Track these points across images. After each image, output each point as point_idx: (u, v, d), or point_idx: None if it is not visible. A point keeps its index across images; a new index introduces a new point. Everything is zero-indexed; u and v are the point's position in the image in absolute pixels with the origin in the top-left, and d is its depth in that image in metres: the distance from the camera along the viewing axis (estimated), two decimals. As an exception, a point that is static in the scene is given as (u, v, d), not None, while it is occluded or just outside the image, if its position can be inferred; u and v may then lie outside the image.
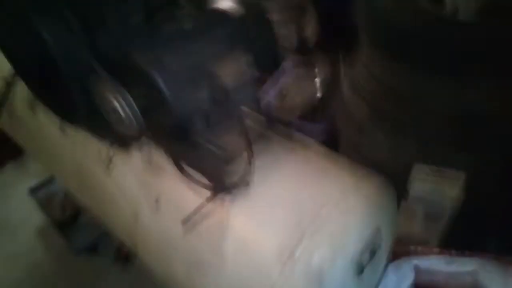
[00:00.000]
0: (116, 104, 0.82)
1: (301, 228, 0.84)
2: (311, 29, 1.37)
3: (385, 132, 1.42)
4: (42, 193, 1.79)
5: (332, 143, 1.64)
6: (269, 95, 1.93)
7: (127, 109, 0.83)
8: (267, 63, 1.02)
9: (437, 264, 1.13)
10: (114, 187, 1.07)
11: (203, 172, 0.92)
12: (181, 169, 0.95)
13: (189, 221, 0.86)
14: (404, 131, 1.37)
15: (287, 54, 2.19)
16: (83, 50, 0.85)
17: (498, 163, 1.26)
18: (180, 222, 0.93)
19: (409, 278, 1.11)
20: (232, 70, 0.88)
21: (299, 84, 1.97)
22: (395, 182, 1.35)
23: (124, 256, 1.64)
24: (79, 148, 1.15)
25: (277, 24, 1.03)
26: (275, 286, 0.82)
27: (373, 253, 0.90)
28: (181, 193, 0.96)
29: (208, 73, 0.85)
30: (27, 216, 1.93)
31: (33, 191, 1.81)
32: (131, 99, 0.82)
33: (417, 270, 1.13)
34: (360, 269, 0.87)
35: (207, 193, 0.91)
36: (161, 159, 0.99)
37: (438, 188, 1.29)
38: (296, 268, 0.82)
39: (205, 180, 0.92)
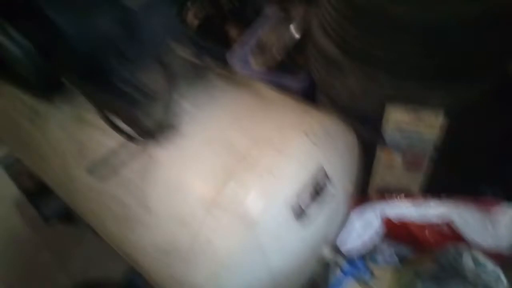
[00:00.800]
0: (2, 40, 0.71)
1: (228, 170, 0.74)
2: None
3: (356, 71, 1.28)
4: (10, 162, 1.72)
5: (311, 93, 1.52)
6: (248, 44, 1.80)
7: (16, 46, 0.72)
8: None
9: (406, 209, 1.01)
10: (43, 141, 0.98)
11: (121, 117, 0.81)
12: (103, 117, 0.85)
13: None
14: (376, 67, 1.23)
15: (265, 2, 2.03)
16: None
17: (478, 98, 1.11)
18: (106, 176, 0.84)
19: (374, 226, 1.00)
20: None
21: (277, 32, 1.83)
22: (370, 128, 1.22)
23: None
24: (10, 104, 1.06)
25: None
26: (199, 236, 0.72)
27: (315, 194, 0.79)
28: (105, 144, 0.86)
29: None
30: (5, 187, 1.88)
31: (2, 160, 1.75)
32: (17, 34, 0.71)
33: (384, 217, 1.02)
34: (299, 213, 0.76)
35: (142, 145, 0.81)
36: (88, 107, 0.89)
37: (416, 130, 1.17)
38: (222, 214, 0.72)
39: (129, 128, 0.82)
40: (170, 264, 0.77)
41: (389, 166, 1.26)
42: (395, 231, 1.02)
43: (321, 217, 0.83)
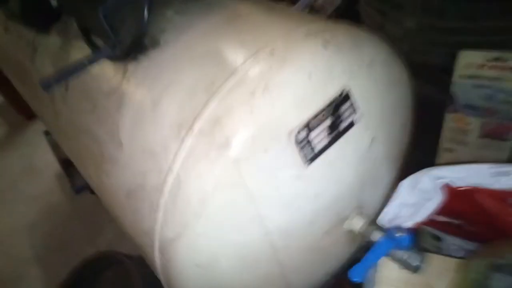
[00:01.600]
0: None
1: (212, 87, 0.54)
2: None
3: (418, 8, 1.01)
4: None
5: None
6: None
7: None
8: None
9: (480, 177, 0.72)
10: (37, 75, 0.87)
11: (101, 35, 0.66)
12: (88, 42, 0.71)
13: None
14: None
15: None
16: None
17: None
18: (86, 110, 0.70)
19: (432, 197, 0.73)
20: None
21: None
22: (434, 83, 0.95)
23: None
24: (15, 44, 0.97)
25: None
26: (169, 174, 0.54)
27: (334, 129, 0.56)
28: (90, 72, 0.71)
29: None
30: (51, 160, 1.88)
31: (47, 133, 1.75)
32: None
33: (447, 188, 0.74)
34: (306, 150, 0.54)
35: (119, 68, 0.66)
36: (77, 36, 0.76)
37: (498, 80, 0.87)
38: (198, 144, 0.52)
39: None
40: (137, 209, 0.59)
41: (461, 134, 0.97)
42: (462, 205, 0.73)
43: (346, 167, 0.59)
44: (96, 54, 0.64)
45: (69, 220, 1.72)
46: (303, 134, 0.53)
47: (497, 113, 0.90)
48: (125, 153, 0.62)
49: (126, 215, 0.65)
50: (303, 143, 0.54)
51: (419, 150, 0.84)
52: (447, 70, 0.92)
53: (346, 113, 0.57)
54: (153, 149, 0.57)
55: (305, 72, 0.54)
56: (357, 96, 0.57)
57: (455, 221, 0.80)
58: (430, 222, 0.79)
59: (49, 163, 1.92)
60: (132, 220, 0.62)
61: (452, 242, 0.83)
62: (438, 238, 0.83)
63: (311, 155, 0.55)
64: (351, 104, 0.57)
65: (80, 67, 0.62)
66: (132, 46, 0.62)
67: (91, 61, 0.63)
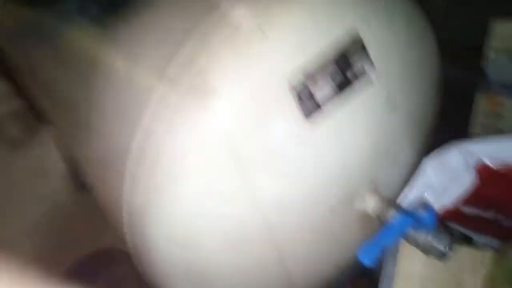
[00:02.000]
0: None
1: (190, 27, 0.45)
2: None
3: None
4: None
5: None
6: None
7: None
8: None
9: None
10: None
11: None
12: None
13: None
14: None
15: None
16: None
17: None
18: (65, 76, 0.63)
19: (463, 177, 0.62)
20: None
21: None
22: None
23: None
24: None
25: None
26: (138, 133, 0.45)
27: (343, 82, 0.45)
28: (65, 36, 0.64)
29: None
30: (57, 160, 1.84)
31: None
32: None
33: (481, 167, 0.63)
34: (308, 105, 0.44)
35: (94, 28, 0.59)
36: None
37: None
38: (172, 93, 0.43)
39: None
40: (107, 177, 0.50)
41: (495, 119, 0.85)
42: (499, 191, 0.61)
43: (357, 132, 0.49)
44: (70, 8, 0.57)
45: (75, 219, 1.66)
46: (304, 84, 0.44)
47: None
48: (97, 116, 0.54)
49: (97, 182, 0.56)
50: (305, 95, 0.44)
51: (444, 140, 0.73)
52: (476, 48, 0.81)
53: (359, 66, 0.47)
54: (124, 106, 0.48)
55: (307, 10, 0.44)
56: (372, 47, 0.47)
57: (488, 214, 0.68)
58: (456, 215, 0.67)
59: (57, 163, 1.88)
60: (104, 195, 0.54)
61: (486, 243, 0.70)
62: (469, 239, 0.71)
63: (314, 110, 0.45)
64: (365, 55, 0.47)
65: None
66: (107, 5, 0.55)
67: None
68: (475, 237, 0.70)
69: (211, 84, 0.42)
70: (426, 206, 0.50)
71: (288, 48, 0.44)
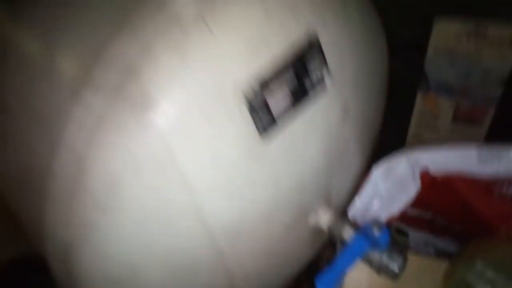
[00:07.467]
0: None
1: (122, 26, 0.37)
2: None
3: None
4: None
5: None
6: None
7: None
8: None
9: (465, 162, 0.61)
10: None
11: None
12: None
13: None
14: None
15: None
16: None
17: None
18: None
19: (409, 186, 0.61)
20: None
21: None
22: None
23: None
24: None
25: None
26: (64, 142, 0.36)
27: (299, 90, 0.41)
28: None
29: None
30: None
31: None
32: None
33: (424, 175, 0.63)
34: (263, 117, 0.39)
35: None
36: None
37: (476, 56, 0.79)
38: (102, 101, 0.36)
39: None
40: (27, 199, 0.41)
41: (432, 118, 0.88)
42: (439, 196, 0.62)
43: (313, 144, 0.45)
44: None
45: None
46: (258, 93, 0.38)
47: (472, 94, 0.81)
48: (11, 122, 0.44)
49: (12, 198, 0.46)
50: (259, 107, 0.39)
51: (385, 137, 0.73)
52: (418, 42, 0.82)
53: (316, 71, 0.42)
54: (43, 113, 0.40)
55: (260, 6, 0.39)
56: (328, 48, 0.43)
57: (427, 215, 0.69)
58: (400, 217, 0.68)
59: None
60: (20, 213, 0.45)
61: (420, 238, 0.72)
62: (405, 234, 0.72)
63: (269, 124, 0.40)
64: (323, 59, 0.43)
65: None
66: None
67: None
68: (411, 233, 0.71)
69: (147, 91, 0.35)
70: (379, 224, 0.48)
71: (241, 53, 0.38)
